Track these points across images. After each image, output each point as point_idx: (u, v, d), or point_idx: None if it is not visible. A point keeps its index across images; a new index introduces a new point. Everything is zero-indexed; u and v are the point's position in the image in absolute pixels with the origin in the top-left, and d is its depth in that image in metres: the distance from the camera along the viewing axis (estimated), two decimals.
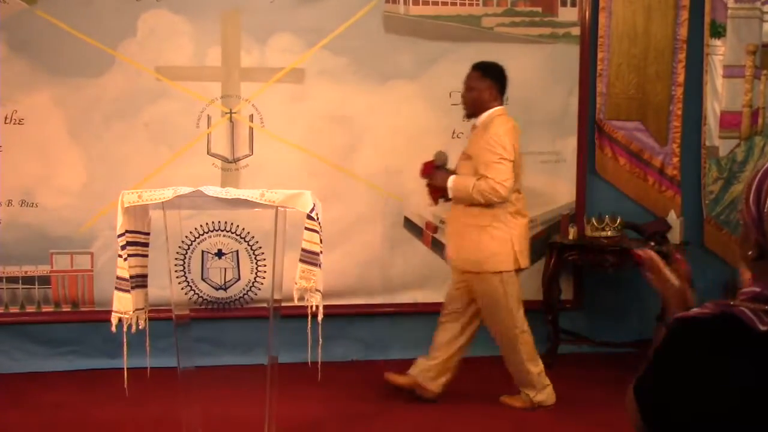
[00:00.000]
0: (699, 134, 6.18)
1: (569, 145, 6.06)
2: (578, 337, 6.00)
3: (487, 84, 4.85)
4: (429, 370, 4.98)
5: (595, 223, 5.72)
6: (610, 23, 6.02)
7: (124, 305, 3.90)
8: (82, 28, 5.51)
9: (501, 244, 4.75)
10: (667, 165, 6.12)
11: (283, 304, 4.09)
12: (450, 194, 4.80)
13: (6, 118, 5.51)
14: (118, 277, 3.91)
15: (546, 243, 5.96)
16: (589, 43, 6.01)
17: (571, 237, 5.82)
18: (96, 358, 5.59)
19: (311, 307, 3.90)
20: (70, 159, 5.60)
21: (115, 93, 5.60)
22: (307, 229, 3.85)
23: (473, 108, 4.88)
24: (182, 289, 4.04)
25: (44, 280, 5.63)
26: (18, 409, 4.93)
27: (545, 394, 4.92)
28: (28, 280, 5.62)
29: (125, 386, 3.96)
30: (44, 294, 5.64)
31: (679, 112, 6.12)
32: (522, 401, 4.93)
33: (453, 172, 4.83)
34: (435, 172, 4.86)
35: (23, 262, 5.60)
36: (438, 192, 4.88)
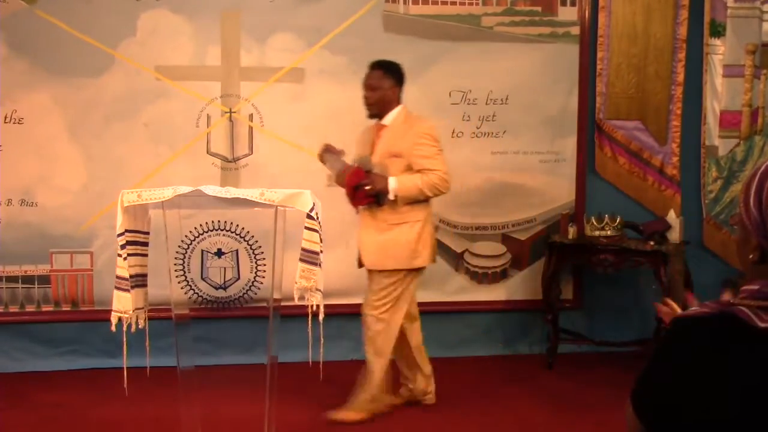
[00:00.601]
0: (698, 134, 6.18)
1: (569, 145, 6.06)
2: (578, 336, 6.00)
3: (390, 83, 4.77)
4: (426, 387, 4.98)
5: (595, 223, 5.71)
6: (610, 23, 6.02)
7: (123, 304, 3.91)
8: (81, 28, 5.51)
9: (429, 238, 4.74)
10: (666, 164, 6.12)
11: (283, 304, 4.09)
12: (393, 195, 4.60)
13: (6, 117, 5.52)
14: (117, 277, 3.91)
15: (545, 242, 5.96)
16: (588, 42, 6.01)
17: (570, 236, 5.81)
18: (96, 357, 5.60)
19: (311, 306, 3.91)
20: (70, 158, 5.61)
21: (115, 93, 5.60)
22: (306, 228, 3.85)
23: (378, 108, 4.76)
24: (182, 288, 4.03)
25: (44, 280, 5.64)
26: (17, 408, 4.93)
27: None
28: (28, 279, 5.62)
29: (125, 386, 3.96)
30: (44, 293, 5.65)
31: (679, 112, 6.11)
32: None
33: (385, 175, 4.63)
34: (370, 176, 4.61)
35: (23, 262, 5.60)
36: (369, 198, 4.63)
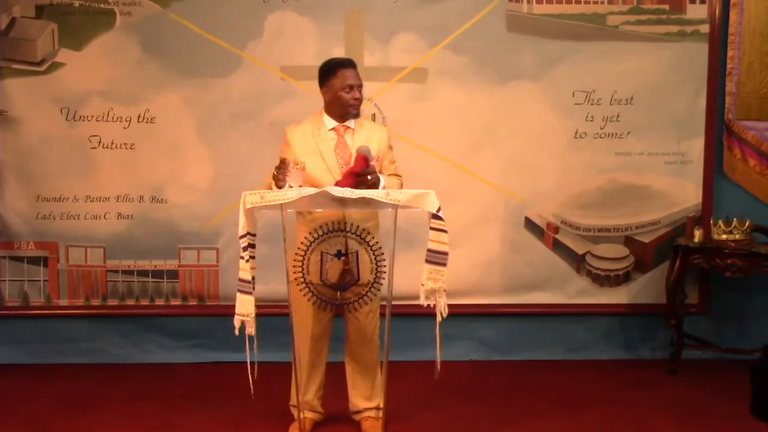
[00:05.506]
0: None
1: (696, 146, 5.90)
2: (703, 342, 5.85)
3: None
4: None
5: (723, 226, 5.56)
6: (742, 20, 5.84)
7: (246, 308, 3.96)
8: (211, 30, 5.66)
9: None
10: None
11: (397, 303, 4.10)
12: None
13: (139, 117, 5.71)
14: (240, 279, 3.96)
15: (670, 246, 5.83)
16: (718, 40, 5.83)
17: (696, 240, 5.66)
18: (220, 351, 5.74)
19: (438, 306, 3.91)
20: (198, 156, 5.76)
21: (242, 93, 5.72)
22: (432, 228, 3.84)
23: (358, 108, 4.44)
24: (300, 290, 4.09)
25: (172, 274, 5.81)
26: (145, 399, 5.12)
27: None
28: (158, 273, 5.81)
29: (248, 380, 4.04)
30: (172, 288, 5.83)
31: None
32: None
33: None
34: (372, 167, 4.21)
35: (153, 257, 5.79)
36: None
